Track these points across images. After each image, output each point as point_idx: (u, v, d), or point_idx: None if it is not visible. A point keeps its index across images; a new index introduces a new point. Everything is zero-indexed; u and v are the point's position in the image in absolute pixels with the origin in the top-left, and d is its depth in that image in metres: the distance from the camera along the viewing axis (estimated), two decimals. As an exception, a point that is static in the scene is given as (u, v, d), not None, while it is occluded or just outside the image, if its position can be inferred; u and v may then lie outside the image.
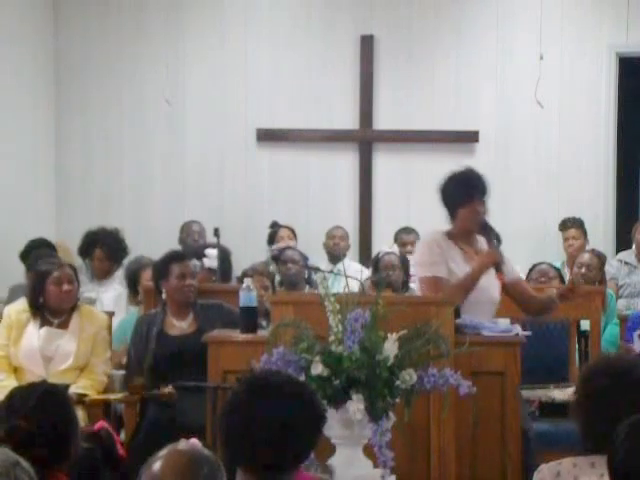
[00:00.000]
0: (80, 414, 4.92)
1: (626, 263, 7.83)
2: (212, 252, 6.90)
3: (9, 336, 5.53)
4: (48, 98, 8.76)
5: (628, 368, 3.11)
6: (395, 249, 7.28)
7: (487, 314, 4.89)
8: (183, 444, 2.55)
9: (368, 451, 3.98)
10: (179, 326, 5.62)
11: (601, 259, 7.19)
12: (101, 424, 4.31)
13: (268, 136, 8.83)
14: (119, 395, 5.57)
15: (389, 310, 3.99)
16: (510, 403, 4.62)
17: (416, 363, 3.96)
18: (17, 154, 8.17)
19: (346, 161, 8.86)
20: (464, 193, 4.97)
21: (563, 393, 5.31)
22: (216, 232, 6.84)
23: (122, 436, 5.32)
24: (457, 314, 4.67)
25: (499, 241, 5.10)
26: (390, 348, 3.92)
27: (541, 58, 8.68)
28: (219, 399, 4.46)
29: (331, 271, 7.24)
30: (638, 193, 9.24)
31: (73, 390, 5.31)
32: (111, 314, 5.96)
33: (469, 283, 4.84)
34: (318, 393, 3.72)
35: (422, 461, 4.54)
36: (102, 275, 7.37)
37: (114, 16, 8.86)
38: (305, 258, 7.26)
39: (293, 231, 8.27)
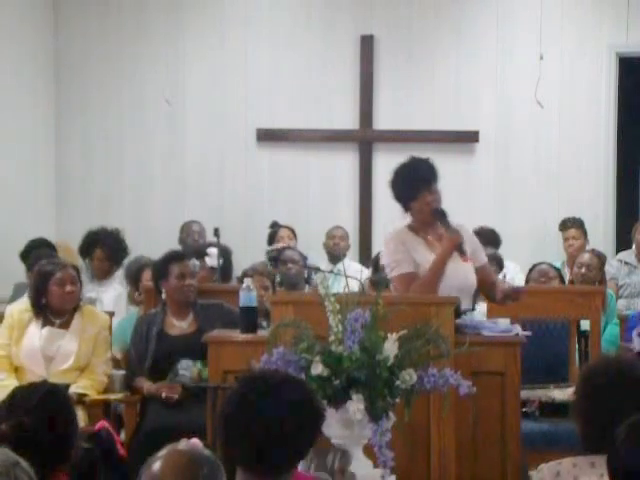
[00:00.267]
0: (80, 414, 4.93)
1: (626, 263, 7.84)
2: (214, 251, 6.91)
3: (10, 336, 5.53)
4: (48, 98, 8.76)
5: (628, 368, 3.11)
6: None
7: (465, 300, 4.87)
8: (183, 444, 2.55)
9: (368, 451, 3.97)
10: (179, 326, 5.62)
11: (601, 259, 7.19)
12: (101, 424, 4.31)
13: (268, 136, 8.84)
14: (119, 395, 5.58)
15: (389, 310, 3.99)
16: (510, 403, 4.62)
17: (416, 363, 3.95)
18: (17, 154, 8.17)
19: (346, 161, 8.86)
20: (410, 187, 5.01)
21: (563, 393, 5.31)
22: (216, 232, 6.84)
23: (122, 436, 5.32)
24: (457, 314, 4.67)
25: (445, 221, 4.99)
26: (390, 348, 3.92)
27: (541, 58, 8.68)
28: (219, 399, 4.46)
29: (331, 271, 7.23)
30: (638, 193, 9.24)
31: (73, 390, 5.31)
32: (111, 314, 5.97)
33: (436, 271, 4.86)
34: (318, 393, 3.72)
35: (422, 461, 4.54)
36: (102, 275, 7.37)
37: (114, 16, 8.86)
38: (304, 258, 7.26)
39: (293, 231, 8.27)
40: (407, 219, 5.09)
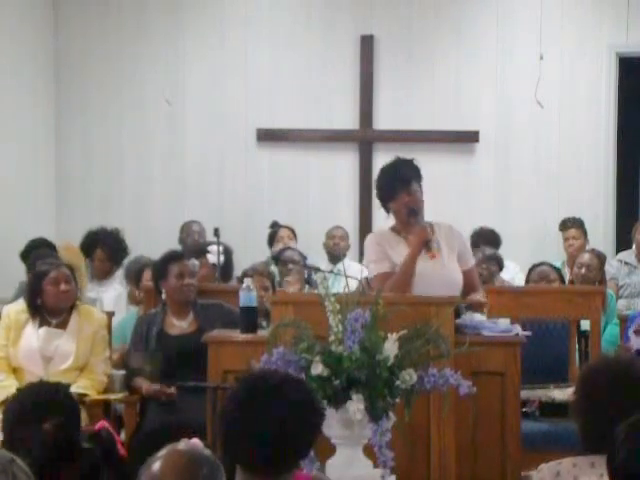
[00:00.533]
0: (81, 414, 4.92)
1: (626, 263, 7.83)
2: (215, 248, 6.91)
3: (8, 337, 5.52)
4: (48, 98, 8.76)
5: (627, 368, 3.11)
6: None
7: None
8: (183, 444, 2.55)
9: (368, 451, 3.97)
10: (179, 326, 5.63)
11: (601, 259, 7.19)
12: (102, 424, 4.30)
13: (268, 136, 8.84)
14: (119, 395, 5.57)
15: (389, 310, 3.99)
16: (510, 403, 4.62)
17: (416, 363, 3.95)
18: (17, 154, 8.17)
19: (346, 161, 8.86)
20: (388, 188, 5.02)
21: (563, 393, 5.30)
22: (216, 232, 6.84)
23: (122, 436, 5.32)
24: (457, 314, 4.67)
25: (416, 219, 4.99)
26: (390, 348, 3.92)
27: (541, 58, 8.68)
28: (219, 399, 4.46)
29: (331, 271, 7.23)
30: (638, 193, 9.24)
31: (74, 390, 5.29)
32: (111, 314, 5.97)
33: (405, 270, 4.86)
34: (318, 393, 3.72)
35: (422, 461, 4.54)
36: (102, 275, 7.38)
37: (114, 16, 8.86)
38: (304, 258, 7.26)
39: (293, 231, 8.27)
40: (392, 220, 5.10)
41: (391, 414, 3.94)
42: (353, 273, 6.75)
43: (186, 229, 8.29)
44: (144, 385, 5.45)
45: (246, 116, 8.86)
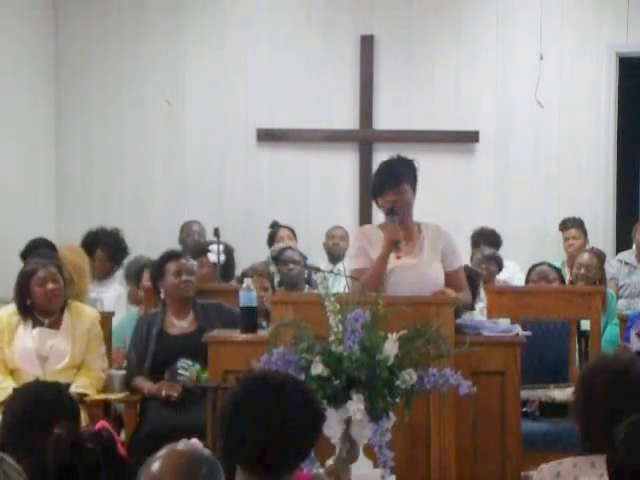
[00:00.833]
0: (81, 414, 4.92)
1: (626, 263, 7.84)
2: (216, 247, 6.90)
3: (2, 339, 5.51)
4: (48, 98, 8.76)
5: (627, 368, 3.11)
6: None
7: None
8: (182, 444, 2.55)
9: (368, 451, 3.97)
10: (179, 325, 5.63)
11: (601, 259, 7.18)
12: (102, 424, 4.30)
13: (268, 136, 8.84)
14: (119, 395, 5.57)
15: (389, 310, 3.98)
16: (510, 403, 4.62)
17: (416, 363, 3.95)
18: (17, 154, 8.17)
19: (346, 161, 8.86)
20: (379, 184, 5.07)
21: (563, 393, 5.30)
22: (216, 232, 6.84)
23: (122, 436, 5.32)
24: (457, 314, 4.67)
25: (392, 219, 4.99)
26: (390, 348, 3.92)
27: (541, 58, 8.68)
28: (219, 399, 4.46)
29: (331, 271, 7.22)
30: (638, 193, 9.24)
31: (73, 390, 5.30)
32: (111, 314, 5.96)
33: (376, 268, 4.87)
34: (318, 393, 3.72)
35: (422, 461, 4.54)
36: (102, 275, 7.38)
37: (114, 16, 8.86)
38: (304, 258, 7.26)
39: (293, 231, 8.27)
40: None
41: (391, 414, 3.93)
42: (353, 273, 6.74)
43: (186, 229, 8.29)
44: (146, 385, 5.45)
45: (246, 116, 8.86)
